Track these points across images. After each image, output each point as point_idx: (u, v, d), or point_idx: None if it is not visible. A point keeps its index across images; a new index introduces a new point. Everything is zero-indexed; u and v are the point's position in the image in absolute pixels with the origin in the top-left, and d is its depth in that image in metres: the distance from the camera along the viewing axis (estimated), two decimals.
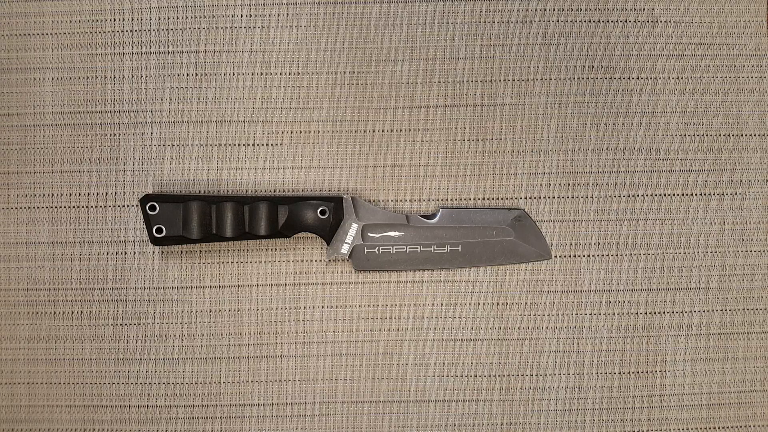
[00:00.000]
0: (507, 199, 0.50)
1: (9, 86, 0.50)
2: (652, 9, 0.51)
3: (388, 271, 0.49)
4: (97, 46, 0.50)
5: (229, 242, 0.49)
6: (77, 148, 0.50)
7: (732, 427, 0.50)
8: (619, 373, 0.50)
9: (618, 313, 0.50)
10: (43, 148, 0.50)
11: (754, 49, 0.51)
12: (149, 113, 0.50)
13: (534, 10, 0.50)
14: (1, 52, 0.50)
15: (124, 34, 0.50)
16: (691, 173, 0.50)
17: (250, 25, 0.50)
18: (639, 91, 0.50)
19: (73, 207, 0.50)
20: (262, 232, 0.47)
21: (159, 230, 0.46)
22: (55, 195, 0.50)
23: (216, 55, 0.50)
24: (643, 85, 0.50)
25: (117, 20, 0.50)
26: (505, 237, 0.49)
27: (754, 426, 0.50)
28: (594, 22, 0.51)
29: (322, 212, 0.47)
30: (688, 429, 0.50)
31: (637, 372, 0.50)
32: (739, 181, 0.50)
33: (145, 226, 0.48)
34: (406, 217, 0.49)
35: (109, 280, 0.50)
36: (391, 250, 0.49)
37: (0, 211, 0.50)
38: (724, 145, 0.50)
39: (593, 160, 0.50)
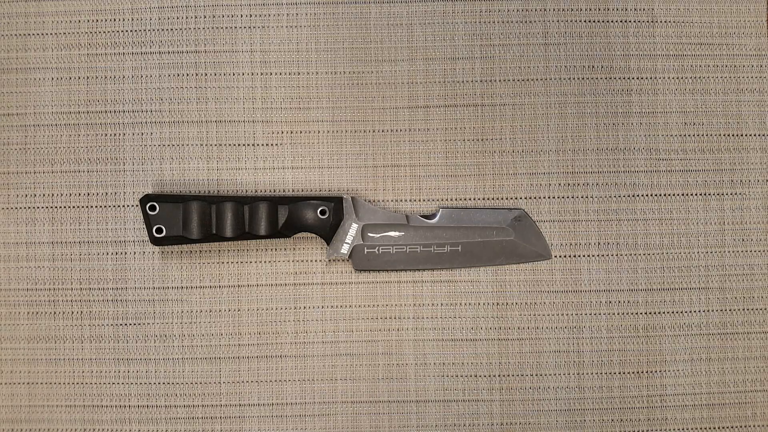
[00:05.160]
0: (507, 199, 0.50)
1: (9, 86, 0.50)
2: (652, 9, 0.51)
3: (388, 271, 0.49)
4: (97, 46, 0.50)
5: (229, 242, 0.49)
6: (77, 148, 0.50)
7: (732, 427, 0.50)
8: (619, 373, 0.50)
9: (618, 313, 0.50)
10: (43, 148, 0.50)
11: (754, 49, 0.51)
12: (149, 113, 0.50)
13: (534, 10, 0.50)
14: (1, 52, 0.50)
15: (124, 34, 0.50)
16: (691, 173, 0.50)
17: (250, 25, 0.50)
18: (639, 91, 0.50)
19: (73, 207, 0.50)
20: (262, 232, 0.47)
21: (159, 230, 0.46)
22: (55, 195, 0.50)
23: (216, 55, 0.50)
24: (643, 85, 0.50)
25: (117, 20, 0.50)
26: (505, 237, 0.49)
27: (754, 426, 0.50)
28: (594, 22, 0.51)
29: (322, 212, 0.47)
30: (688, 429, 0.50)
31: (637, 372, 0.50)
32: (739, 181, 0.50)
33: (145, 226, 0.48)
34: (406, 217, 0.49)
35: (109, 280, 0.50)
36: (391, 250, 0.49)
37: (0, 211, 0.50)
38: (724, 145, 0.50)
39: (593, 160, 0.50)
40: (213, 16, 0.50)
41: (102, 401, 0.49)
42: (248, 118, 0.50)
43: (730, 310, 0.50)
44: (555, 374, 0.50)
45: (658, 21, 0.51)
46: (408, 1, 0.50)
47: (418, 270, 0.50)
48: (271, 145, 0.50)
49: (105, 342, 0.49)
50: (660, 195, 0.50)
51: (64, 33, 0.50)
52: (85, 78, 0.50)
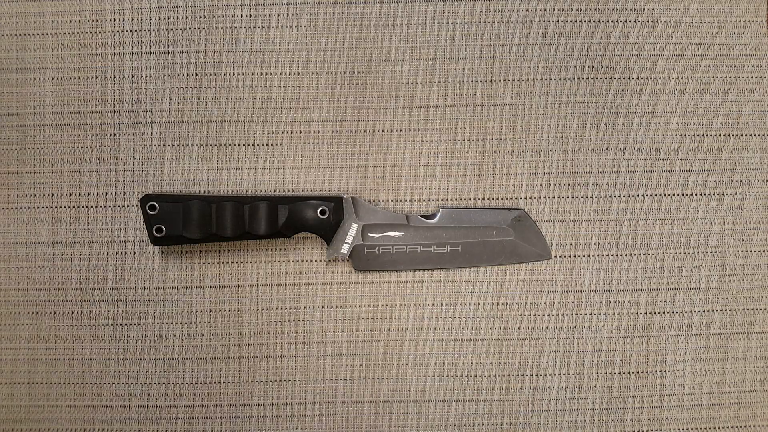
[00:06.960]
0: (507, 199, 0.50)
1: (9, 86, 0.50)
2: (652, 9, 0.51)
3: (388, 271, 0.49)
4: (97, 46, 0.50)
5: (229, 242, 0.49)
6: (77, 148, 0.50)
7: (732, 427, 0.50)
8: (619, 373, 0.50)
9: (618, 313, 0.50)
10: (43, 148, 0.50)
11: (754, 49, 0.51)
12: (149, 113, 0.50)
13: (534, 10, 0.50)
14: (1, 52, 0.50)
15: (124, 34, 0.50)
16: (691, 173, 0.50)
17: (250, 25, 0.50)
18: (639, 91, 0.50)
19: (73, 207, 0.50)
20: (262, 232, 0.47)
21: (159, 230, 0.46)
22: (55, 195, 0.50)
23: (216, 55, 0.50)
24: (643, 85, 0.50)
25: (117, 20, 0.50)
26: (505, 237, 0.49)
27: (754, 426, 0.50)
28: (594, 22, 0.51)
29: (322, 212, 0.47)
30: (688, 429, 0.50)
31: (637, 372, 0.50)
32: (739, 181, 0.50)
33: (145, 226, 0.48)
34: (406, 217, 0.49)
35: (109, 280, 0.50)
36: (391, 250, 0.49)
37: (0, 211, 0.50)
38: (724, 145, 0.50)
39: (593, 160, 0.50)
40: (213, 16, 0.50)
41: (102, 401, 0.49)
42: (248, 118, 0.50)
43: (730, 310, 0.50)
44: (555, 374, 0.50)
45: (658, 21, 0.51)
46: (408, 1, 0.50)
47: (418, 270, 0.50)
48: (271, 145, 0.50)
49: (105, 342, 0.49)
50: (660, 195, 0.50)
51: (64, 33, 0.50)
52: (85, 78, 0.50)
